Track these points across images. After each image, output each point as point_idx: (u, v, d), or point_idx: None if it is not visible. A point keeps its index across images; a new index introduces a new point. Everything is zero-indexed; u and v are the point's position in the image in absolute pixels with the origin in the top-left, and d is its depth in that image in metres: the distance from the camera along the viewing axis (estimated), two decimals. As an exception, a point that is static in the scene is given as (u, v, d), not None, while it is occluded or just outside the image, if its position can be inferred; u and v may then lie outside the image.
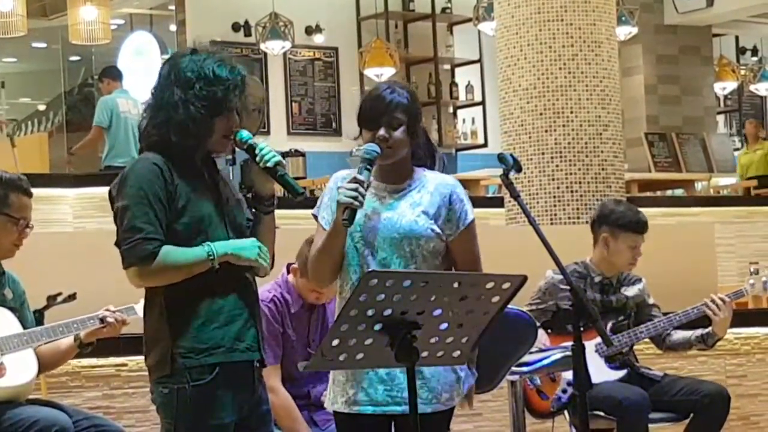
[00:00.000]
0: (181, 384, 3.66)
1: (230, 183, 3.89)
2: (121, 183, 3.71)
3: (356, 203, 3.75)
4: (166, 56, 3.95)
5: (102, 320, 4.60)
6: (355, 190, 3.75)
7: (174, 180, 3.68)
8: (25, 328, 4.73)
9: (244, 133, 3.77)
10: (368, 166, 3.83)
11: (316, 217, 4.01)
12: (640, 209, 5.97)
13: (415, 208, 3.94)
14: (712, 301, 5.65)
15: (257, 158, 3.75)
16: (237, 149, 3.89)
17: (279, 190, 3.92)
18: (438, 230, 3.93)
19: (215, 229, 3.73)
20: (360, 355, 3.39)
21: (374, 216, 3.90)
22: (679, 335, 5.84)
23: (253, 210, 3.85)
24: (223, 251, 3.68)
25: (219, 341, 3.68)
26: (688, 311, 5.73)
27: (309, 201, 9.33)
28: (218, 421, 3.68)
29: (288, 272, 5.13)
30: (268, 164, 3.74)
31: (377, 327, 3.34)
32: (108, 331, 4.63)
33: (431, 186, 3.99)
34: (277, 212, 3.89)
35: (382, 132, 3.89)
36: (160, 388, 3.71)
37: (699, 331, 5.77)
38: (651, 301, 5.95)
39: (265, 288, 5.03)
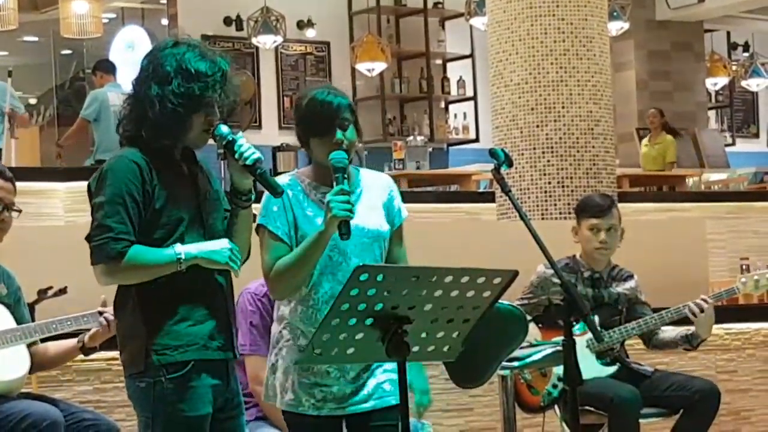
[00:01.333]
0: (158, 377, 3.66)
1: (208, 175, 3.83)
2: (99, 179, 3.69)
3: (352, 215, 3.73)
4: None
5: (99, 315, 4.58)
6: (347, 201, 3.72)
7: (153, 180, 3.65)
8: (20, 325, 4.71)
9: (223, 129, 3.70)
10: (345, 175, 3.78)
11: (263, 226, 3.90)
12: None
13: (374, 210, 3.96)
14: (694, 303, 5.65)
15: (236, 155, 3.68)
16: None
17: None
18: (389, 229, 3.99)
19: (191, 231, 3.70)
20: (351, 350, 3.39)
21: None
22: (665, 335, 5.85)
23: (231, 204, 3.80)
24: (192, 255, 3.65)
25: (193, 338, 3.68)
26: (679, 308, 5.73)
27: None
28: (195, 413, 3.68)
29: None
30: (247, 162, 3.67)
31: (368, 321, 3.34)
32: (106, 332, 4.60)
33: (372, 183, 4.01)
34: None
35: (339, 136, 3.86)
36: (136, 383, 3.70)
37: (683, 331, 5.76)
38: (643, 298, 5.95)
39: (260, 282, 4.97)
